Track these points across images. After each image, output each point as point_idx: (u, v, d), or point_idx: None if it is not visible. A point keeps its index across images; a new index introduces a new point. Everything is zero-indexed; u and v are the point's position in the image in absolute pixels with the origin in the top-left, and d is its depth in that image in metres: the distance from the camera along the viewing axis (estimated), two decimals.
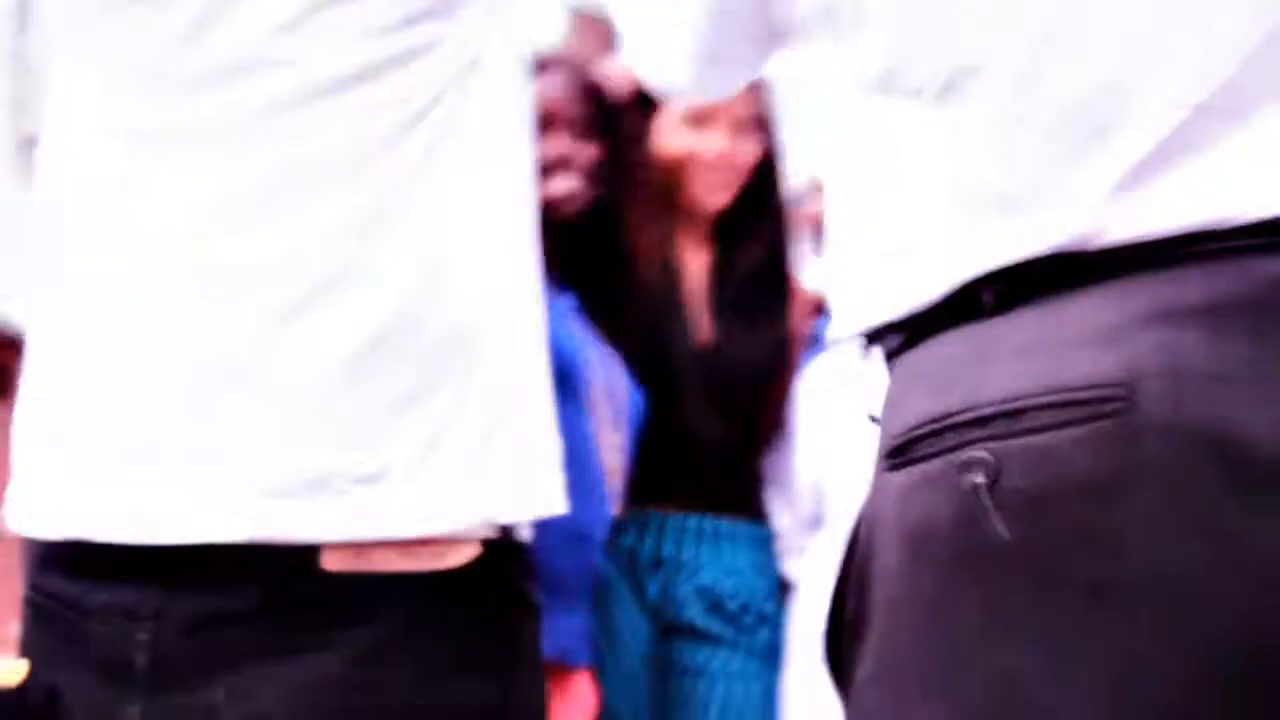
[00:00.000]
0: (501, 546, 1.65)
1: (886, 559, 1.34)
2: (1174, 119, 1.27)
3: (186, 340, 1.59)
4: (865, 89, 1.37)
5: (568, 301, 3.23)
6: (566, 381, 3.11)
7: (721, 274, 3.46)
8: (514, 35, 1.73)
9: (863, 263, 1.39)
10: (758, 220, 3.46)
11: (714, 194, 3.39)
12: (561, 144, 3.14)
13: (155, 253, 1.61)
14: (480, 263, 1.65)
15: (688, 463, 3.39)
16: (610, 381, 3.19)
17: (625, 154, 3.26)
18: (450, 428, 1.61)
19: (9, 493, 1.71)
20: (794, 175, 3.82)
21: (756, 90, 3.44)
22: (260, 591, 1.59)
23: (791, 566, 3.48)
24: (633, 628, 3.33)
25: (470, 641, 1.63)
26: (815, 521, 3.46)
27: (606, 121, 3.23)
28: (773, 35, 1.52)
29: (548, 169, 3.12)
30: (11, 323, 1.81)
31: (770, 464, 3.53)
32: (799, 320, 3.60)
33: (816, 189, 4.21)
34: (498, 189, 1.69)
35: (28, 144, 1.78)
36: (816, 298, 3.80)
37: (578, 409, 3.13)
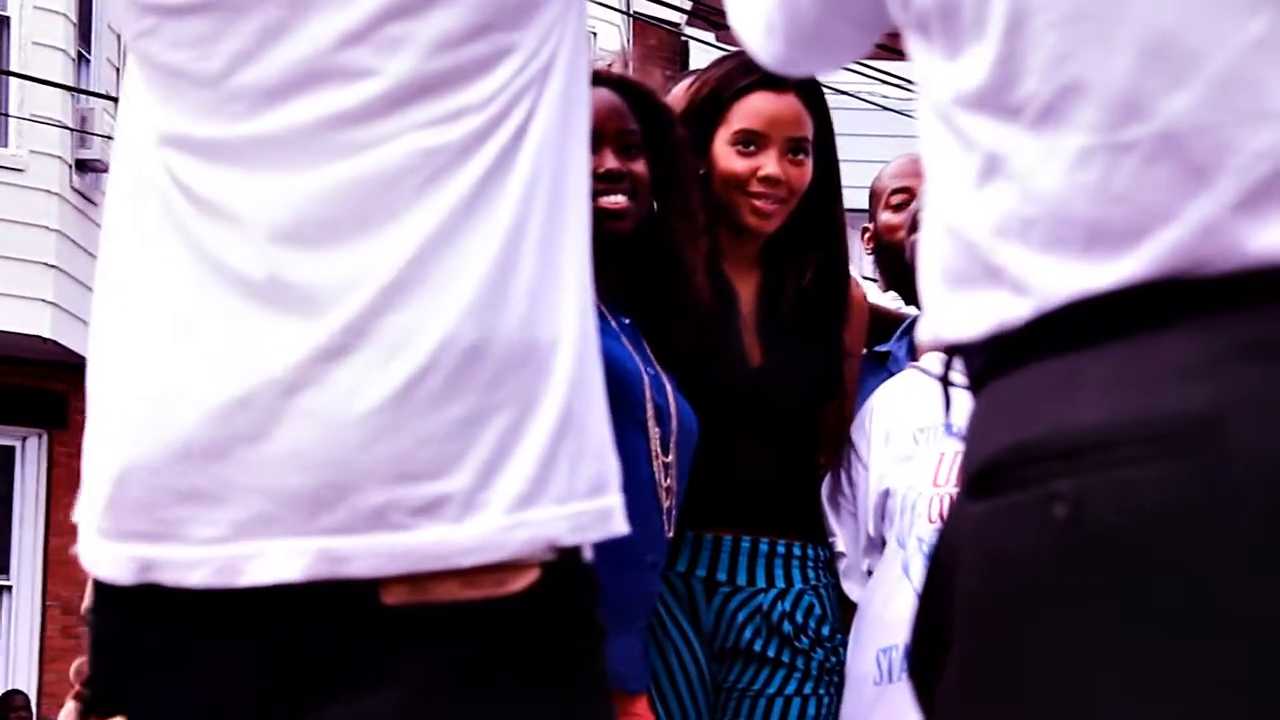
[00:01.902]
0: (563, 569, 1.66)
1: (969, 584, 1.36)
2: (1268, 165, 1.29)
3: (245, 366, 1.60)
4: (964, 104, 1.39)
5: (622, 321, 3.28)
6: (622, 403, 3.15)
7: (771, 297, 3.51)
8: (581, 43, 1.74)
9: (950, 280, 1.41)
10: (809, 243, 3.51)
11: (766, 216, 3.44)
12: (609, 160, 3.19)
13: (216, 272, 1.62)
14: (542, 279, 1.66)
15: (742, 485, 3.43)
16: (665, 403, 3.23)
17: (677, 172, 3.30)
18: (509, 452, 1.62)
19: (82, 529, 1.72)
20: (850, 196, 3.88)
21: (812, 110, 3.48)
22: (322, 630, 1.61)
23: (852, 588, 3.50)
24: (689, 652, 3.36)
25: (535, 667, 1.64)
26: (877, 543, 3.48)
27: (658, 137, 3.28)
28: (879, 22, 1.53)
29: (598, 184, 3.17)
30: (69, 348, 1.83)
31: (831, 484, 3.56)
32: (855, 341, 3.64)
33: (881, 205, 4.24)
34: (561, 202, 1.69)
35: None
36: (880, 315, 3.84)
37: (634, 431, 3.17)
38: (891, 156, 4.47)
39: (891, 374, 3.73)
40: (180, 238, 1.64)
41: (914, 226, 3.78)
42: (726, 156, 3.45)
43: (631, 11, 14.27)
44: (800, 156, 3.46)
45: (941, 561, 1.43)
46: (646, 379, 3.22)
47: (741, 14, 1.63)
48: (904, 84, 13.41)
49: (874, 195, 4.35)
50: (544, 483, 1.63)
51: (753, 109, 3.45)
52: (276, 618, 1.61)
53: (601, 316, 3.22)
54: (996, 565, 1.32)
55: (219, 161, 1.63)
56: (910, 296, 4.00)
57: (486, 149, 1.62)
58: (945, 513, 3.36)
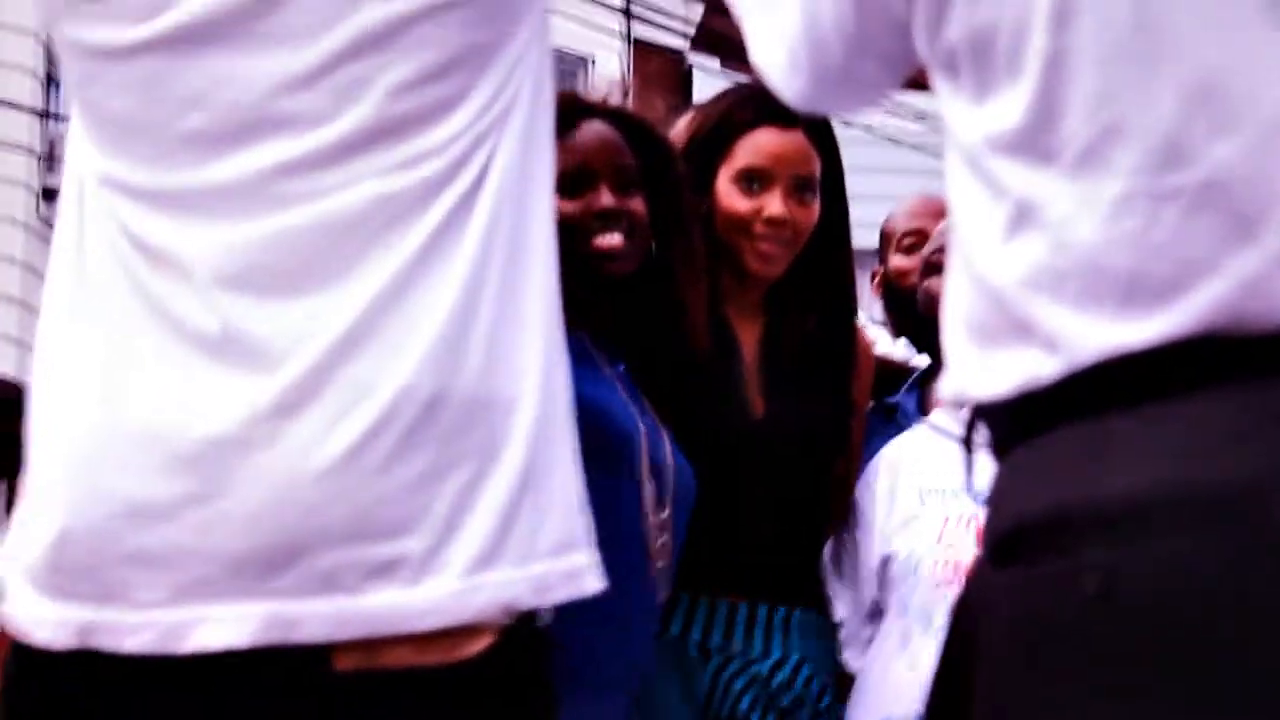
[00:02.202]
0: (520, 633, 1.62)
1: (995, 653, 1.31)
2: None
3: (195, 422, 1.53)
4: (994, 148, 1.33)
5: (617, 368, 3.12)
6: (615, 455, 3.01)
7: (775, 345, 3.36)
8: (543, 84, 1.68)
9: (976, 335, 1.36)
10: (815, 288, 3.36)
11: (771, 260, 3.29)
12: (605, 198, 3.03)
13: (165, 323, 1.56)
14: (503, 330, 1.61)
15: (740, 546, 3.28)
16: (661, 457, 3.07)
17: (678, 210, 3.15)
18: (468, 509, 1.56)
19: (11, 584, 1.64)
20: (861, 234, 3.73)
21: (820, 147, 3.34)
22: (270, 695, 1.54)
23: (852, 658, 3.36)
24: None
25: None
26: (878, 611, 3.34)
27: (658, 173, 3.13)
28: (907, 60, 1.49)
29: (594, 223, 3.02)
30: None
31: (831, 548, 3.42)
32: (862, 393, 3.49)
33: (893, 248, 4.11)
34: (523, 249, 1.64)
35: None
36: (889, 366, 3.70)
37: (627, 486, 3.01)
38: (902, 193, 4.35)
39: (901, 427, 3.59)
40: (129, 286, 1.58)
41: (927, 271, 3.64)
42: (729, 195, 3.30)
43: (631, 37, 14.18)
44: (807, 196, 3.31)
45: (962, 628, 1.40)
46: (642, 430, 3.06)
47: (764, 50, 1.58)
48: (917, 116, 13.33)
49: (885, 237, 4.21)
50: (503, 542, 1.58)
51: (758, 145, 3.30)
52: (222, 683, 1.54)
53: (594, 363, 3.07)
54: (1024, 635, 1.29)
55: (168, 210, 1.58)
56: (922, 344, 3.86)
57: (445, 196, 1.58)
58: (947, 577, 3.23)
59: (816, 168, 3.33)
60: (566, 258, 2.99)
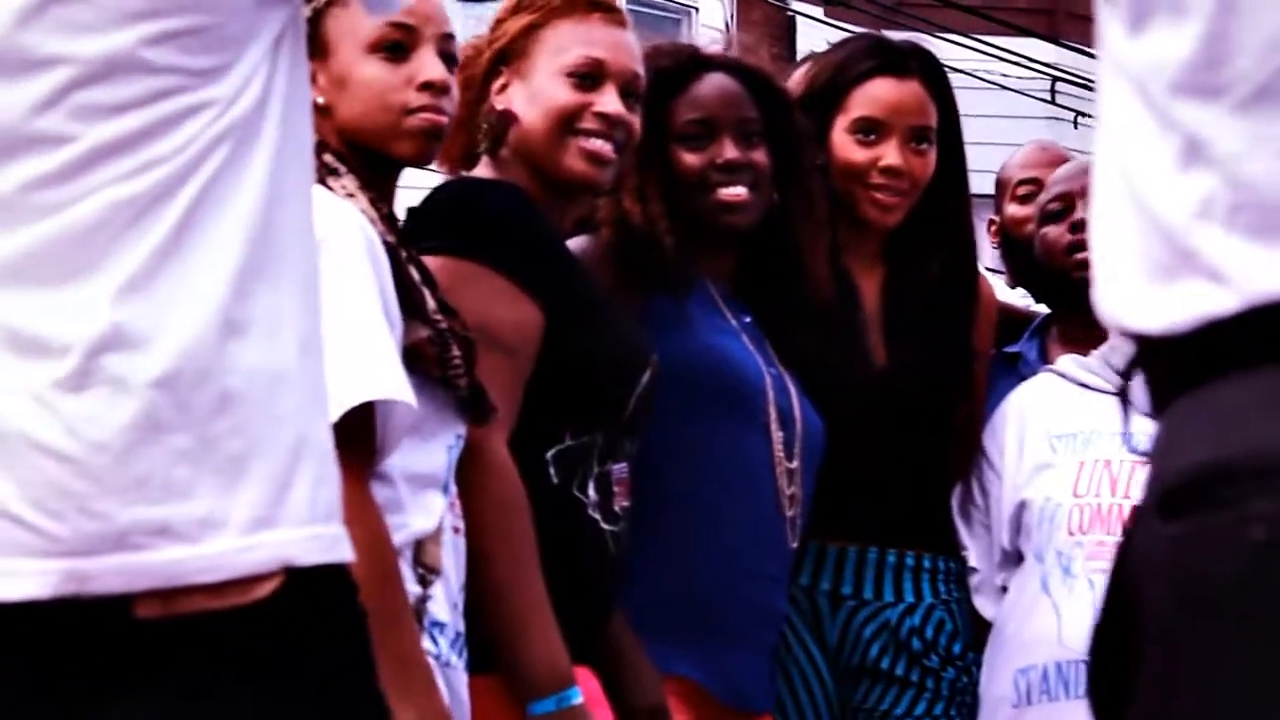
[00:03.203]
0: (309, 572, 1.78)
1: (1161, 609, 1.31)
2: None
3: None
4: (1162, 81, 1.32)
5: (743, 319, 3.19)
6: (743, 405, 3.08)
7: (896, 294, 3.41)
8: (300, 78, 1.86)
9: (1143, 269, 1.34)
10: (934, 236, 3.41)
11: (888, 209, 3.34)
12: (728, 150, 3.09)
13: None
14: (262, 311, 1.78)
15: (868, 493, 3.33)
16: (788, 406, 3.14)
17: (799, 162, 3.20)
18: (242, 476, 1.75)
19: None
20: (976, 181, 3.77)
21: (936, 96, 3.38)
22: (81, 643, 1.75)
23: (985, 605, 3.40)
24: (813, 671, 3.28)
25: (285, 668, 1.78)
26: (1013, 557, 3.38)
27: (779, 125, 3.18)
28: None
29: (717, 175, 3.08)
30: None
31: (959, 495, 3.46)
32: (984, 341, 3.53)
33: (1008, 197, 4.14)
34: (275, 234, 1.80)
35: None
36: (1008, 314, 3.73)
37: (756, 435, 3.08)
38: (1012, 140, 4.37)
39: (1022, 376, 3.63)
40: None
41: (1044, 219, 3.68)
42: (845, 146, 3.35)
43: None
44: (924, 146, 3.36)
45: (1124, 582, 1.38)
46: (768, 379, 3.13)
47: None
48: (1025, 61, 13.28)
49: (1000, 186, 4.24)
50: (279, 506, 1.76)
51: (873, 96, 3.35)
52: (34, 632, 1.75)
53: (721, 314, 3.14)
54: (1192, 590, 1.28)
55: None
56: (1040, 293, 3.90)
57: (182, 195, 1.75)
58: (1084, 524, 3.27)
59: (933, 117, 3.37)
60: (691, 209, 3.09)
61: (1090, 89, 14.89)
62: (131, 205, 1.74)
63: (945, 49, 13.29)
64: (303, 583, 1.77)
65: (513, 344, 2.69)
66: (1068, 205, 3.64)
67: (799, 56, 15.51)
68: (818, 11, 14.89)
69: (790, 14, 15.17)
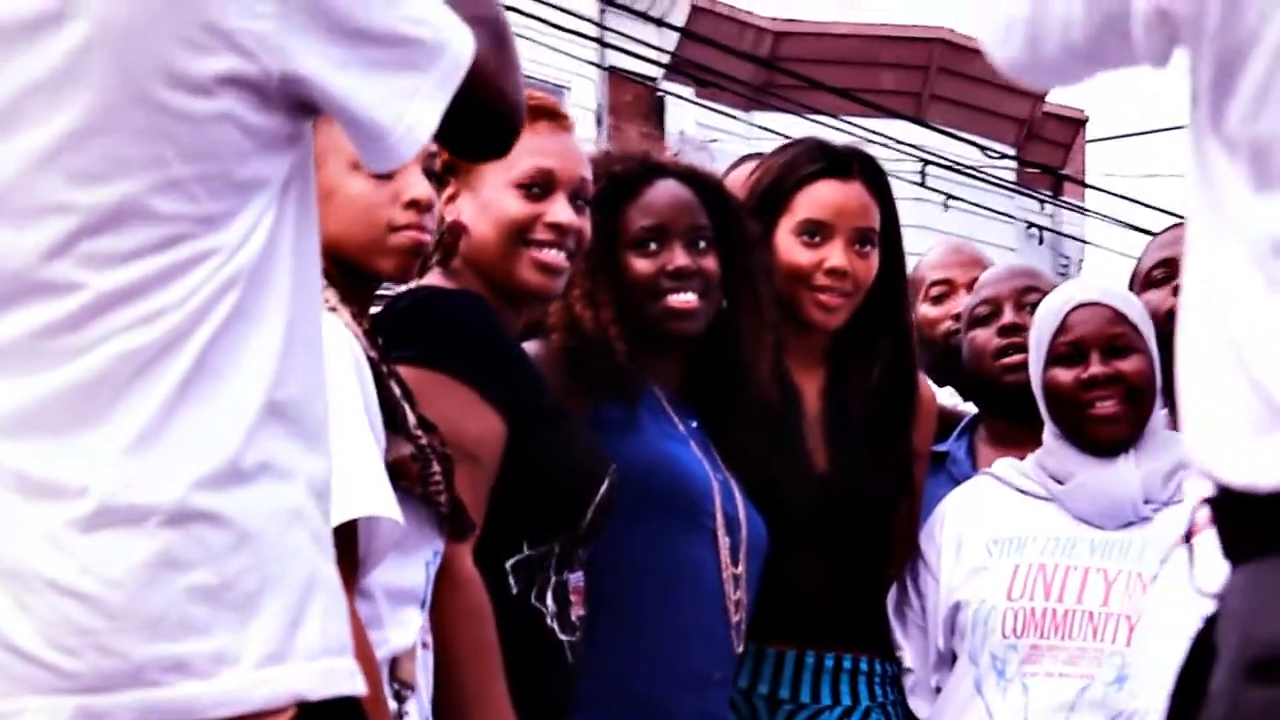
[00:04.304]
0: (321, 706, 1.81)
1: None
2: None
3: (4, 543, 1.78)
4: (1275, 246, 1.35)
5: (690, 424, 3.21)
6: (692, 512, 3.10)
7: (837, 396, 3.44)
8: (308, 221, 1.89)
9: (1243, 422, 1.36)
10: (876, 338, 3.44)
11: (832, 311, 3.37)
12: (678, 256, 3.12)
13: None
14: (274, 451, 1.81)
15: (806, 597, 3.36)
16: (734, 511, 3.17)
17: (748, 267, 3.24)
18: (256, 612, 1.78)
19: None
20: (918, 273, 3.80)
21: (878, 198, 3.42)
22: None
23: (920, 705, 3.44)
24: None
25: None
26: (947, 658, 3.42)
27: (728, 231, 3.22)
28: (1121, 65, 1.56)
29: (668, 282, 3.10)
30: None
31: (894, 596, 3.49)
32: (923, 442, 3.57)
33: (921, 297, 4.18)
34: (292, 374, 1.83)
35: None
36: (945, 415, 3.77)
37: (702, 541, 3.10)
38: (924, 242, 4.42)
39: (951, 475, 3.67)
40: None
41: (972, 323, 3.73)
42: (790, 248, 3.39)
43: (607, 65, 14.25)
44: (867, 248, 3.40)
45: None
46: (715, 485, 3.15)
47: (980, 10, 1.65)
48: (894, 144, 13.44)
49: (912, 285, 4.28)
50: (291, 640, 1.79)
51: (818, 198, 3.39)
52: None
53: (669, 420, 3.16)
54: None
55: None
56: (967, 394, 3.94)
57: (191, 343, 1.78)
58: (1018, 628, 3.30)
59: (875, 219, 3.42)
60: (641, 315, 3.11)
61: (959, 171, 15.11)
62: (141, 354, 1.77)
63: (813, 131, 13.45)
64: (314, 716, 1.80)
65: (478, 455, 2.70)
66: (995, 309, 3.70)
67: (668, 136, 15.62)
68: (688, 92, 15.01)
69: (660, 94, 15.28)
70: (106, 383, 1.77)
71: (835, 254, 3.36)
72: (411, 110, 1.84)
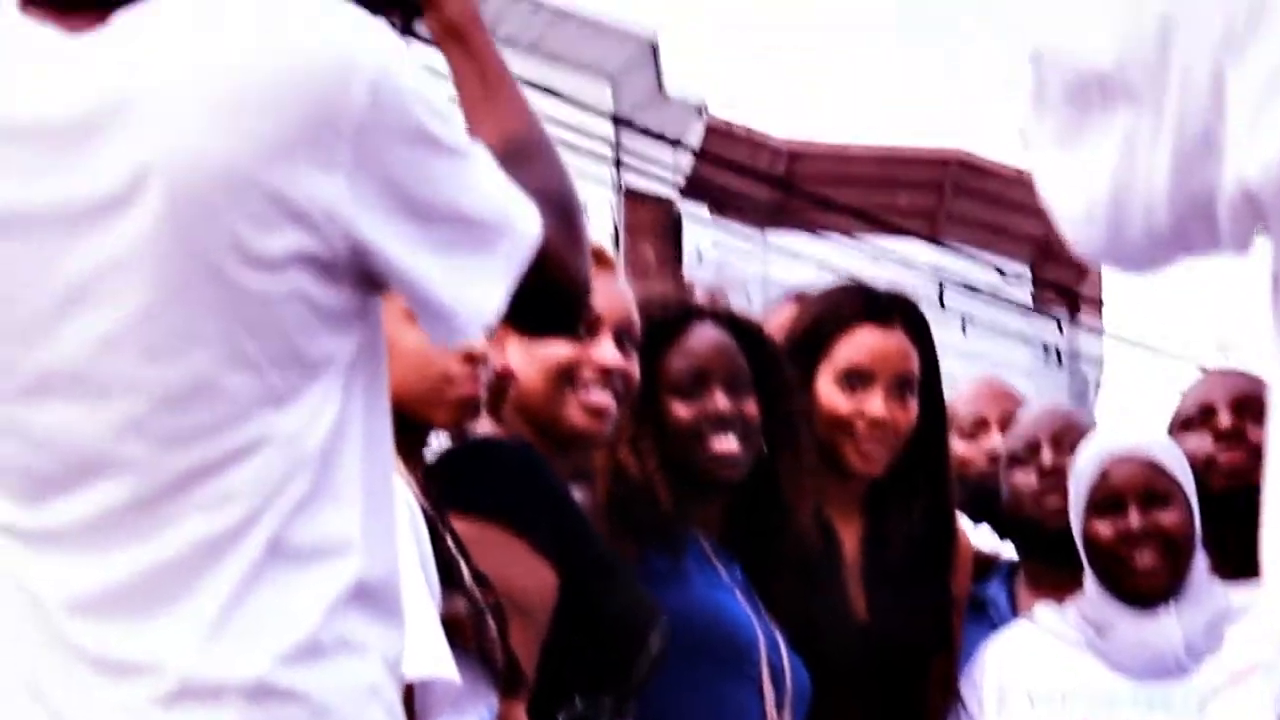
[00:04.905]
0: None
1: None
2: None
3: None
4: None
5: (734, 572, 3.23)
6: (738, 662, 3.11)
7: (876, 544, 3.46)
8: (379, 400, 1.91)
9: None
10: (915, 485, 3.47)
11: (872, 459, 3.40)
12: (720, 401, 3.15)
13: (56, 641, 1.83)
14: (350, 642, 1.83)
15: None
16: (779, 662, 3.18)
17: (787, 412, 3.26)
18: None
19: None
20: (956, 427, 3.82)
21: (918, 344, 3.45)
22: None
23: None
24: None
25: None
26: None
27: (767, 375, 3.25)
28: (1210, 249, 1.55)
29: (710, 427, 3.13)
30: None
31: None
32: (961, 588, 3.58)
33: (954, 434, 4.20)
34: (370, 568, 1.85)
35: None
36: (983, 559, 3.79)
37: (749, 692, 3.11)
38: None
39: (991, 620, 3.68)
40: (13, 613, 1.87)
41: (1011, 463, 3.75)
42: (831, 395, 3.42)
43: (622, 185, 14.34)
44: (907, 395, 3.43)
45: None
46: (761, 635, 3.17)
47: (1057, 191, 1.64)
48: (909, 263, 13.49)
49: None
50: None
51: (858, 344, 3.42)
52: None
53: (713, 568, 3.18)
54: None
55: (24, 542, 1.86)
56: (1007, 534, 3.96)
57: (263, 525, 1.80)
58: None
59: (916, 366, 3.45)
60: (683, 461, 3.13)
61: (975, 291, 15.17)
62: (215, 535, 1.78)
63: (828, 250, 13.53)
64: None
65: (531, 608, 2.71)
66: (1034, 450, 3.72)
67: (684, 255, 15.68)
68: (704, 211, 15.11)
69: (676, 214, 15.36)
70: (182, 563, 1.79)
71: (876, 402, 3.39)
72: (478, 289, 1.86)
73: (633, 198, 14.69)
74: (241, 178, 1.76)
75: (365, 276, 1.85)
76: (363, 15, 1.84)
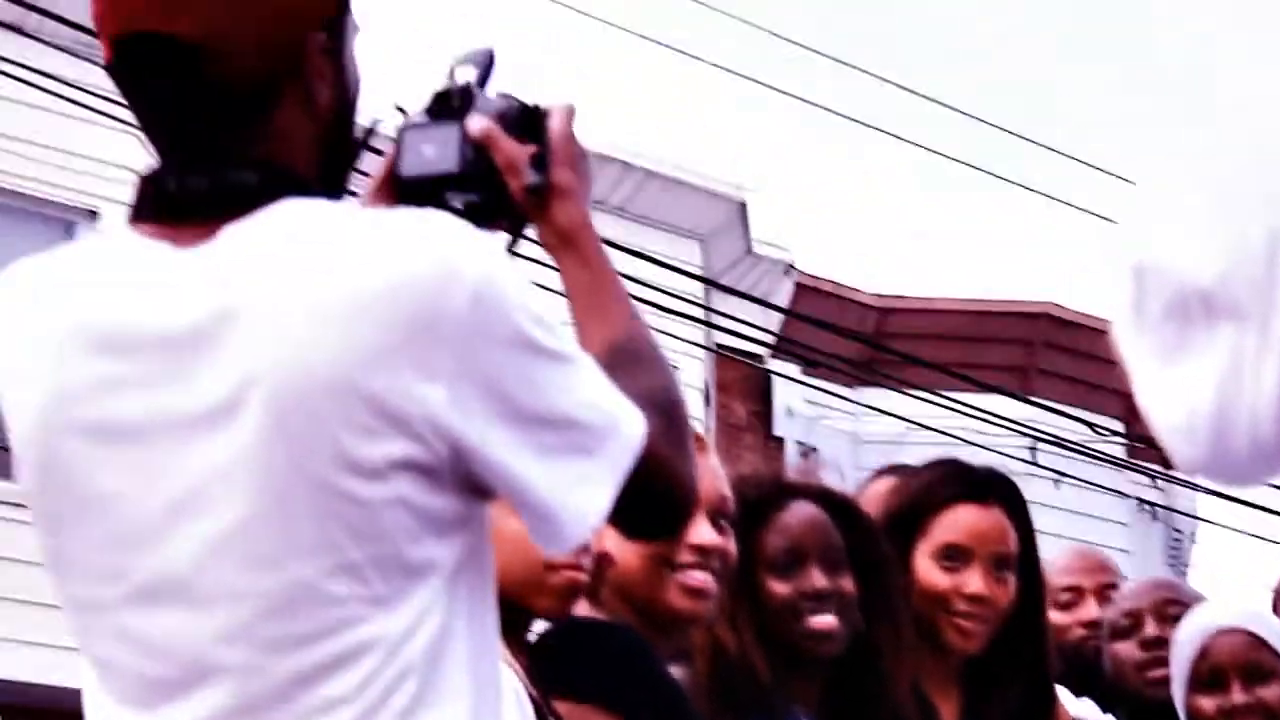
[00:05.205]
0: None
1: None
2: None
3: None
4: None
5: None
6: None
7: (974, 719, 3.45)
8: (485, 604, 1.91)
9: None
10: (1013, 662, 3.47)
11: (970, 636, 3.41)
12: (816, 578, 3.16)
13: None
14: None
15: None
16: None
17: (885, 588, 3.28)
18: None
19: None
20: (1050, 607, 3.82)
21: (1016, 522, 3.47)
22: None
23: None
24: None
25: None
26: None
27: (864, 551, 3.26)
28: None
29: (807, 604, 3.14)
30: None
31: None
32: None
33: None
34: None
35: None
36: None
37: None
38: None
39: None
40: None
41: (1114, 634, 3.75)
42: (929, 572, 3.43)
43: (713, 345, 14.41)
44: (1005, 573, 3.45)
45: None
46: None
47: (1159, 404, 1.67)
48: (1000, 420, 13.44)
49: None
50: None
51: (957, 522, 3.44)
52: None
53: None
54: None
55: None
56: (1107, 704, 3.95)
57: None
58: None
59: (1014, 544, 3.46)
60: (782, 638, 3.15)
61: (1068, 446, 15.11)
62: None
63: (918, 407, 13.52)
64: None
65: None
66: (1137, 622, 3.72)
67: (775, 414, 15.67)
68: (794, 370, 15.14)
69: (766, 372, 15.41)
70: None
71: (974, 579, 3.41)
72: (581, 495, 1.87)
73: (723, 356, 14.75)
74: (343, 386, 1.79)
75: (471, 482, 1.86)
76: (464, 225, 1.87)
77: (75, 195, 13.44)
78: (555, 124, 2.10)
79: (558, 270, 2.08)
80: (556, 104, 2.11)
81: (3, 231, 13.34)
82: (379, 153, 2.06)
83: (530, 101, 2.11)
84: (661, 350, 2.05)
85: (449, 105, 2.07)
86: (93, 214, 13.55)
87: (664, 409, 1.95)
